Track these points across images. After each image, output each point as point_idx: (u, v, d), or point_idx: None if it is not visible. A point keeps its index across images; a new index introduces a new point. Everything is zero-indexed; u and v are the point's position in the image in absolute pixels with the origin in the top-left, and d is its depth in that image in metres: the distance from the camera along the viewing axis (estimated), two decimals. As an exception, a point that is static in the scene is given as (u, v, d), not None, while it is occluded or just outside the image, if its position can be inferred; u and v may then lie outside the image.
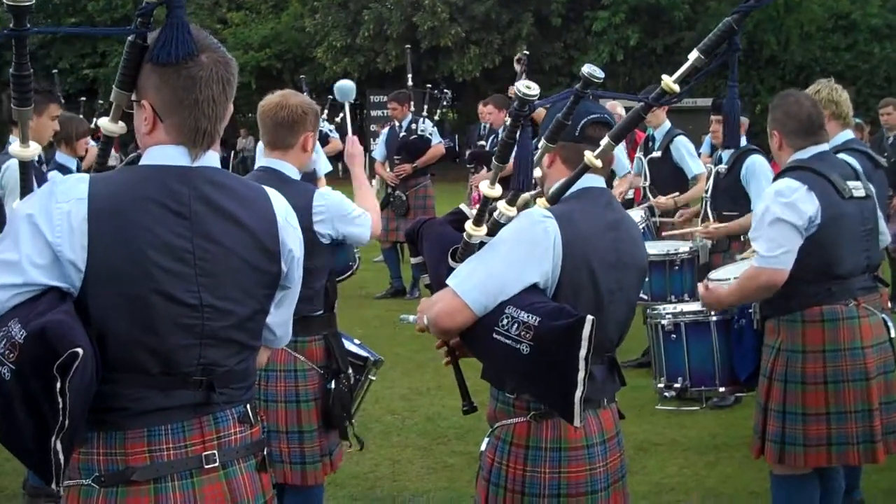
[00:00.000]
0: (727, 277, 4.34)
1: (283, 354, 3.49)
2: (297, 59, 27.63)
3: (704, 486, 4.88)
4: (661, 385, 5.69)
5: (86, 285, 1.88)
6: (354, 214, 3.61)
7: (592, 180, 2.61)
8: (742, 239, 5.91)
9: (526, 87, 2.23)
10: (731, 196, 6.01)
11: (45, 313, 1.80)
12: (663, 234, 6.75)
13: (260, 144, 3.79)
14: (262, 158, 3.62)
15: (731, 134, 2.62)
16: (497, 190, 2.41)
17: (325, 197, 3.53)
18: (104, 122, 2.19)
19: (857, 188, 3.71)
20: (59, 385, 1.75)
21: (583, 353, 2.23)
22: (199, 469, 2.01)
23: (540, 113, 2.74)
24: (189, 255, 1.95)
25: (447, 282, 2.47)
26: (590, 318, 2.23)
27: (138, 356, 1.93)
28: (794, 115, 3.74)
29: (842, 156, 4.22)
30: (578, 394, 2.26)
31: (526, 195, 2.65)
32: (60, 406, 1.75)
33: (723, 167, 6.09)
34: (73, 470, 1.97)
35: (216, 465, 2.03)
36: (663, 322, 5.39)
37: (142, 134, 2.03)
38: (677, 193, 6.80)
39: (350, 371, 3.66)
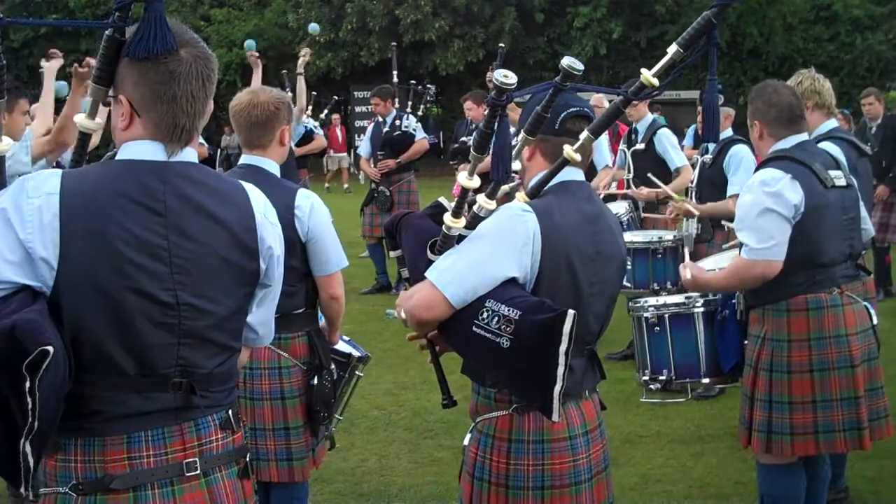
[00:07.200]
0: (712, 268, 4.35)
1: (266, 352, 3.47)
2: (280, 55, 27.52)
3: (691, 477, 4.90)
4: (645, 378, 5.70)
5: (58, 283, 1.83)
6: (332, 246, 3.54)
7: (572, 174, 2.61)
8: (726, 229, 5.94)
9: (503, 75, 2.20)
10: (717, 186, 6.04)
11: (17, 311, 1.75)
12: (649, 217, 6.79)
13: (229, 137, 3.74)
14: (243, 156, 3.60)
15: (710, 127, 2.63)
16: (475, 181, 2.38)
17: (308, 198, 3.46)
18: (80, 119, 2.15)
19: (838, 177, 3.72)
20: (27, 384, 1.69)
21: (563, 347, 2.23)
22: (180, 477, 1.96)
23: (515, 109, 2.72)
24: (164, 252, 1.91)
25: (426, 274, 2.45)
26: (571, 312, 2.23)
27: (114, 356, 1.88)
28: (774, 105, 3.76)
29: (827, 144, 4.24)
30: (557, 388, 2.26)
31: (505, 187, 2.63)
32: (30, 406, 1.70)
33: (708, 157, 6.12)
34: (50, 477, 1.93)
35: (197, 472, 1.99)
36: (646, 315, 5.40)
37: (118, 130, 1.99)
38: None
39: (333, 367, 3.64)
